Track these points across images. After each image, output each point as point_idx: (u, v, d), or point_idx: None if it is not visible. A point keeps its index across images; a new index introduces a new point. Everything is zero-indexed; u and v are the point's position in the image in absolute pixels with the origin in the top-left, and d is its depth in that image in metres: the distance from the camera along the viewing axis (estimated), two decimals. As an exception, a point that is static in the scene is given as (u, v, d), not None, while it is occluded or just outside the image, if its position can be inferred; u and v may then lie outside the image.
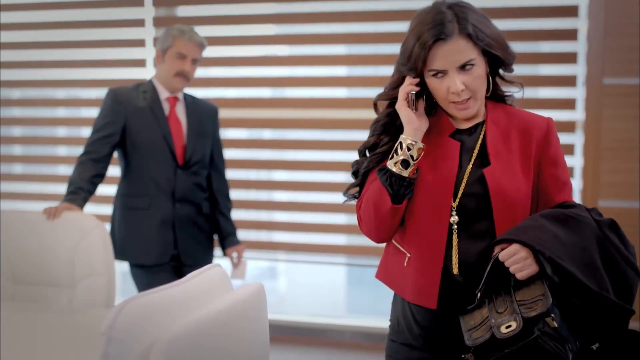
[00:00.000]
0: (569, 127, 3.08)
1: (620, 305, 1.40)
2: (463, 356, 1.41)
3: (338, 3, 3.34)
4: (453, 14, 1.48)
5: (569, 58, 3.08)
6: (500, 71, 1.59)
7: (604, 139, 2.95)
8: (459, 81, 1.48)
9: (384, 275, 1.68)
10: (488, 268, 1.44)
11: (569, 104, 3.10)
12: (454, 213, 1.52)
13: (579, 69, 3.07)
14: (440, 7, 1.50)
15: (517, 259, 1.40)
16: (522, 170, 1.53)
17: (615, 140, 2.94)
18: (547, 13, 3.09)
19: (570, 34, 3.07)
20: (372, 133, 1.63)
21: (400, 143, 1.52)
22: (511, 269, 1.41)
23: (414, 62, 1.50)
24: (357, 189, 1.65)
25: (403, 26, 3.29)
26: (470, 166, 1.54)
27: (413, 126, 1.53)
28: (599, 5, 2.93)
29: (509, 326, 1.34)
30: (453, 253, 1.52)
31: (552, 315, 1.33)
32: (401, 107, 1.55)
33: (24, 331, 1.96)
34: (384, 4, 3.28)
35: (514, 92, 1.63)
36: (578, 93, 3.08)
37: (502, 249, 1.43)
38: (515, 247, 1.41)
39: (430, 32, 1.46)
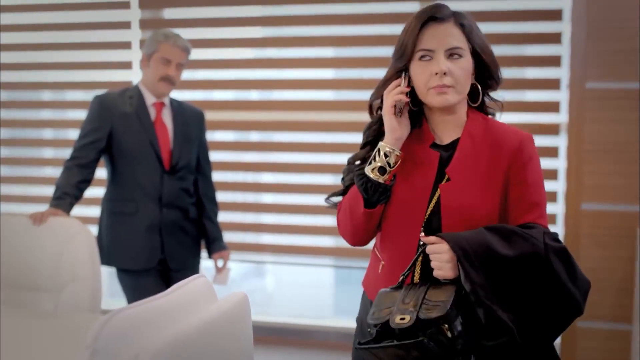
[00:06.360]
0: (553, 129, 3.11)
1: (524, 338, 1.36)
2: (369, 330, 1.43)
3: (325, 6, 3.35)
4: (451, 10, 1.53)
5: (553, 61, 3.11)
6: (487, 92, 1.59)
7: (586, 141, 2.98)
8: (444, 64, 1.48)
9: (365, 281, 1.70)
10: (415, 257, 1.47)
11: (553, 107, 3.13)
12: (422, 229, 1.51)
13: (562, 72, 3.10)
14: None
15: (439, 258, 1.41)
16: (488, 187, 1.49)
17: (598, 143, 2.97)
18: (531, 17, 3.13)
19: (554, 38, 3.10)
20: (365, 139, 1.62)
21: (379, 150, 1.52)
22: (431, 264, 1.43)
23: (405, 44, 1.51)
24: (340, 197, 1.65)
25: (390, 29, 3.35)
26: (443, 182, 1.52)
27: (394, 135, 1.52)
28: (582, 10, 2.96)
29: (403, 318, 1.35)
30: (415, 269, 1.51)
31: (447, 325, 1.32)
32: (386, 114, 1.53)
33: (9, 336, 1.95)
34: (372, 6, 3.29)
35: (495, 112, 1.64)
36: (562, 96, 3.12)
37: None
38: (443, 246, 1.41)
39: (425, 12, 1.50)
